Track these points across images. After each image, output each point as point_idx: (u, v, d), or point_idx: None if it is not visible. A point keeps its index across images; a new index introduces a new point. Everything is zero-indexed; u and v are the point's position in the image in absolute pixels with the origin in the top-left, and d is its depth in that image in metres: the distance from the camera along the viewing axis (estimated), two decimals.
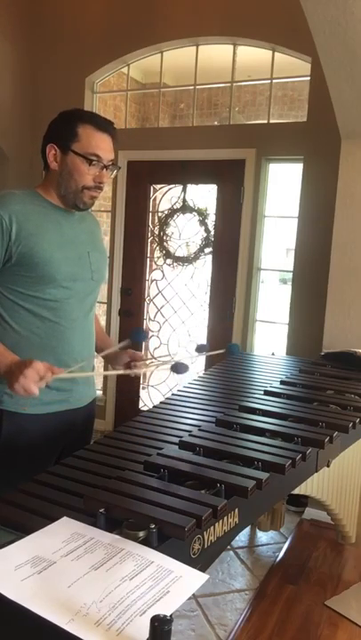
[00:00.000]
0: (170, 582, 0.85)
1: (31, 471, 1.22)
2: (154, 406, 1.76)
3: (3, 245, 1.45)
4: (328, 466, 1.64)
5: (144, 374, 3.84)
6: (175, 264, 3.90)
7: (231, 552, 2.63)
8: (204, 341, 1.47)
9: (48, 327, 1.54)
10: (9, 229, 1.45)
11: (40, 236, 1.49)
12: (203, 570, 0.95)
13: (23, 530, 0.97)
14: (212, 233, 3.71)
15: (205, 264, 3.80)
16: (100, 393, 4.01)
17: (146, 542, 0.95)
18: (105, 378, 4.09)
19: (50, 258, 1.49)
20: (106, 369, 3.97)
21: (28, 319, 1.52)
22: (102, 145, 1.50)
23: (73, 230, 1.59)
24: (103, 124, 1.52)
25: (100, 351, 1.79)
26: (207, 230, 3.73)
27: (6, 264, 1.48)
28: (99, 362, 1.88)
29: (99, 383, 3.98)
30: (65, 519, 1.01)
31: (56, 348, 1.55)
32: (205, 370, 3.01)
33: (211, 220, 3.71)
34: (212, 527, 1.05)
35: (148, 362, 1.81)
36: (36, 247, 1.47)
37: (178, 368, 1.55)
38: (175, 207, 3.86)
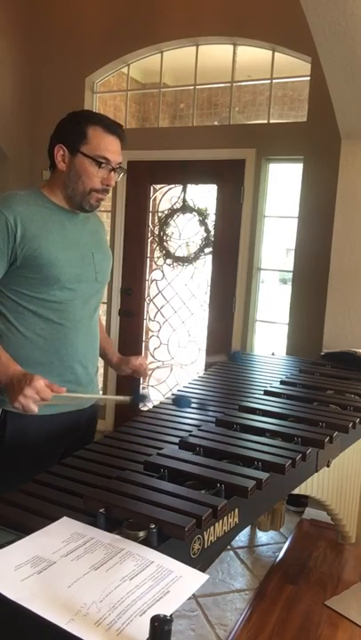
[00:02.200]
0: (170, 582, 0.85)
1: (34, 472, 1.22)
2: (154, 406, 1.76)
3: (8, 247, 1.45)
4: (328, 466, 1.64)
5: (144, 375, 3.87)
6: (175, 264, 3.90)
7: (231, 552, 2.63)
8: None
9: (52, 329, 1.53)
10: (14, 231, 1.44)
11: (44, 237, 1.48)
12: (203, 570, 0.95)
13: (23, 530, 0.97)
14: (212, 233, 3.71)
15: (205, 264, 3.80)
16: (100, 393, 4.00)
17: (146, 542, 0.95)
18: (105, 377, 4.09)
19: (54, 259, 1.49)
20: (107, 373, 3.99)
21: (33, 321, 1.52)
22: (111, 147, 1.50)
23: (77, 231, 1.59)
24: (112, 127, 1.52)
25: (101, 354, 1.80)
26: (207, 230, 3.73)
27: (11, 266, 1.48)
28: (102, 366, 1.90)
29: (99, 384, 3.98)
30: (65, 519, 1.01)
31: (60, 350, 1.55)
32: (205, 370, 3.01)
33: (211, 220, 3.71)
34: (212, 527, 1.05)
35: (154, 365, 1.87)
36: (40, 249, 1.47)
37: (179, 402, 1.65)
38: (175, 207, 3.86)
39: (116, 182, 1.60)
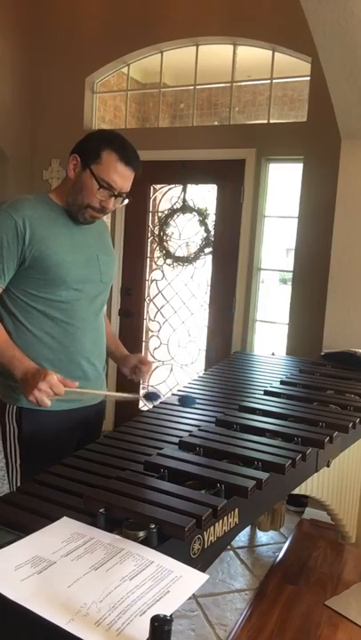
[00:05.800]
0: (170, 582, 0.85)
1: (52, 464, 1.27)
2: (154, 406, 1.77)
3: (17, 249, 1.51)
4: (328, 466, 1.64)
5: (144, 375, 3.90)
6: (175, 264, 3.90)
7: (231, 552, 2.63)
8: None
9: (60, 327, 1.60)
10: (23, 234, 1.50)
11: (52, 240, 1.54)
12: (203, 570, 0.95)
13: (23, 530, 0.97)
14: (212, 233, 3.71)
15: (205, 264, 3.80)
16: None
17: (146, 542, 0.95)
18: (105, 378, 4.07)
19: (61, 261, 1.55)
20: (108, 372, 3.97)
21: (41, 320, 1.58)
22: (119, 176, 1.53)
23: (82, 234, 1.64)
24: (127, 157, 1.54)
25: (108, 352, 1.84)
26: (207, 230, 3.73)
27: (20, 267, 1.54)
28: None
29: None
30: (65, 519, 1.01)
31: (69, 348, 1.61)
32: (205, 370, 3.01)
33: (211, 220, 3.71)
34: (212, 527, 1.05)
35: (154, 365, 1.90)
36: (47, 251, 1.53)
37: (150, 397, 1.66)
38: (175, 207, 3.86)
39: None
